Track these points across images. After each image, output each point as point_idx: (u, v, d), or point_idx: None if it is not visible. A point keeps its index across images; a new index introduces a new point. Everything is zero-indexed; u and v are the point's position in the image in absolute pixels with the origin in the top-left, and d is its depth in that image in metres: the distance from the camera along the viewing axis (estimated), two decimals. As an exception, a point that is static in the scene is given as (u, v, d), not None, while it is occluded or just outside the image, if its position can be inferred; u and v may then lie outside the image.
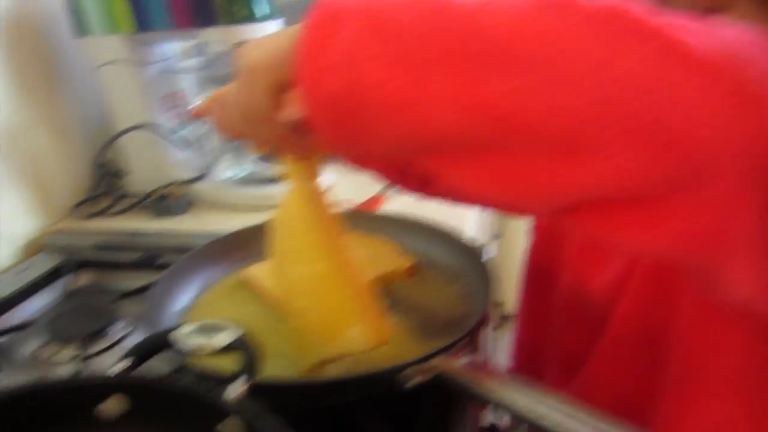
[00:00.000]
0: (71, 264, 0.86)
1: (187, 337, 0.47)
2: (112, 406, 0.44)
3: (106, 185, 1.09)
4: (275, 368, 0.56)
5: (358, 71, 0.33)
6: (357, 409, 0.52)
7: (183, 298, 0.67)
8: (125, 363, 0.46)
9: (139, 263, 0.88)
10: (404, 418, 0.54)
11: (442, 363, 0.49)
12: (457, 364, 0.48)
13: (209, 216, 1.04)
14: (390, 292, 0.66)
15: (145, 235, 0.98)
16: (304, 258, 0.52)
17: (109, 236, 0.98)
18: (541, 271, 0.68)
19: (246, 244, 0.77)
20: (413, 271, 0.71)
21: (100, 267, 0.91)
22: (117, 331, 0.73)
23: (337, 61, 0.33)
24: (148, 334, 0.49)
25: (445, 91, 0.31)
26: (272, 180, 1.07)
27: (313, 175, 0.50)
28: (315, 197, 0.50)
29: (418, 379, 0.49)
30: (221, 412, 0.40)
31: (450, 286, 0.68)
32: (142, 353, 0.47)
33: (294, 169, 0.50)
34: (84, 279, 0.88)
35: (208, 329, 0.48)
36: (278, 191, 1.04)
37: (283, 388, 0.48)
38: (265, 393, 0.43)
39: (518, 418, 0.43)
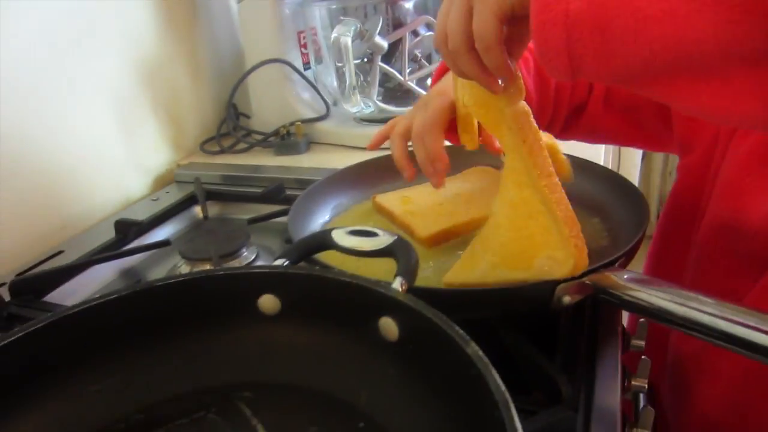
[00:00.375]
0: (201, 194, 0.89)
1: (346, 236, 0.46)
2: (267, 303, 0.44)
3: (231, 124, 1.11)
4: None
5: None
6: (502, 323, 0.50)
7: (318, 220, 0.67)
8: (283, 261, 0.46)
9: (263, 196, 0.89)
10: (546, 337, 0.51)
11: (603, 278, 0.46)
12: (620, 278, 0.45)
13: (330, 155, 1.04)
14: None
15: (268, 171, 0.99)
16: (513, 182, 0.49)
17: (234, 171, 1.00)
18: (684, 206, 0.63)
19: (375, 175, 0.76)
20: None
21: (227, 199, 0.93)
22: (248, 254, 0.74)
23: None
24: (301, 238, 0.49)
25: None
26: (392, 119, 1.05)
27: (521, 97, 0.48)
28: (525, 121, 0.48)
29: (574, 297, 0.47)
30: (386, 305, 0.39)
31: (591, 219, 0.64)
32: (301, 252, 0.47)
33: (497, 97, 0.48)
34: (213, 209, 0.91)
35: (364, 233, 0.47)
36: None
37: (442, 295, 0.46)
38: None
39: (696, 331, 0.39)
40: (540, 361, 0.46)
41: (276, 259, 0.46)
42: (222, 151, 1.08)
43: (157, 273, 0.76)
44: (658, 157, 2.30)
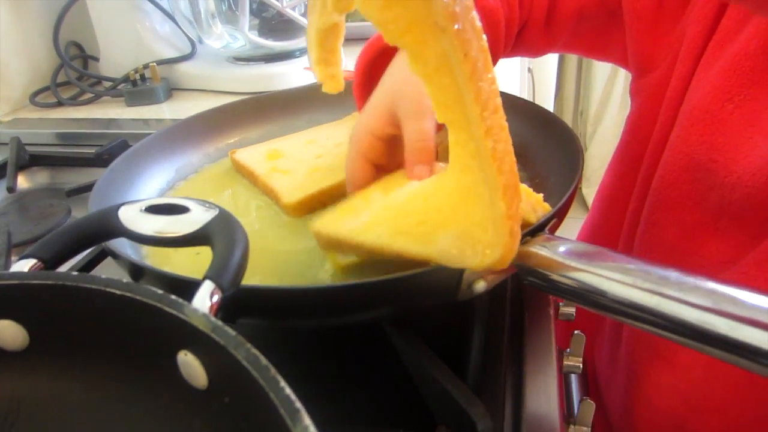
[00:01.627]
0: (21, 160, 0.68)
1: (141, 216, 0.29)
2: (6, 333, 0.27)
3: (71, 69, 0.89)
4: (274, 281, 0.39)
5: None
6: (394, 326, 0.35)
7: (147, 188, 0.49)
8: (32, 264, 0.29)
9: (99, 158, 0.68)
10: (454, 340, 0.37)
11: (530, 255, 0.31)
12: (554, 251, 0.31)
13: (196, 102, 0.85)
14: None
15: (120, 125, 0.79)
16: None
17: (74, 127, 0.80)
18: (640, 141, 0.50)
19: (238, 122, 0.59)
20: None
21: (57, 163, 0.73)
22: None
23: None
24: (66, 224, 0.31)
25: None
26: (273, 57, 0.87)
27: None
28: (468, 19, 0.27)
29: (490, 282, 0.32)
30: (182, 334, 0.23)
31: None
32: (63, 247, 0.30)
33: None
34: (39, 177, 0.71)
35: (169, 209, 0.30)
36: (281, 69, 0.85)
37: (296, 296, 0.30)
38: (249, 307, 0.26)
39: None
40: (447, 384, 0.31)
41: (19, 259, 0.29)
42: (60, 104, 0.86)
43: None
44: (570, 93, 2.22)
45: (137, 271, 0.34)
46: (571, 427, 0.41)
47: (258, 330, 0.37)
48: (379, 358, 0.37)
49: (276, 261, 0.41)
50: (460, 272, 0.31)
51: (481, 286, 0.33)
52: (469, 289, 0.33)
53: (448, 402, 0.31)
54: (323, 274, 0.38)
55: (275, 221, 0.46)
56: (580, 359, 0.44)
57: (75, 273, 0.26)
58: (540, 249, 0.32)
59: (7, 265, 0.47)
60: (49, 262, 0.29)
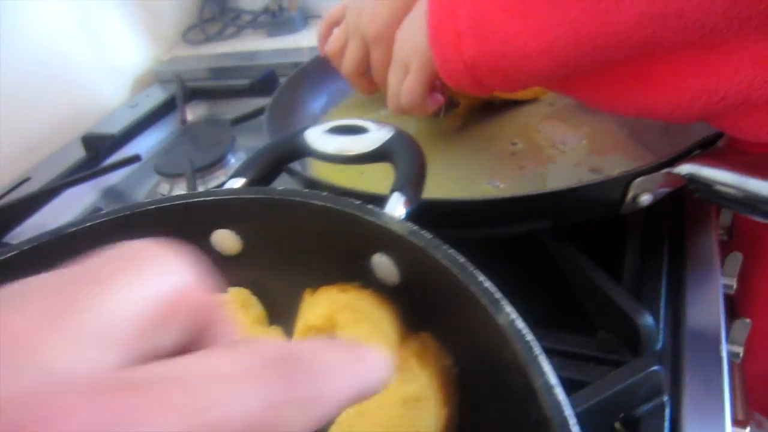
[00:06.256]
0: (180, 94, 0.75)
1: (324, 137, 0.33)
2: (224, 241, 0.32)
3: (215, 6, 0.95)
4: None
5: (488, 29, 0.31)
6: (552, 237, 0.37)
7: (306, 114, 0.53)
8: (236, 181, 0.33)
9: (252, 89, 0.75)
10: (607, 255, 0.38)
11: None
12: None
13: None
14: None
15: (263, 57, 0.84)
16: None
17: (222, 62, 0.86)
18: None
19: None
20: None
21: (215, 95, 0.80)
22: (235, 161, 0.62)
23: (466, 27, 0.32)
24: (261, 147, 0.36)
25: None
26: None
27: None
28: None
29: (657, 193, 0.33)
30: (376, 237, 0.26)
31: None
32: (262, 167, 0.34)
33: None
34: (199, 110, 0.78)
35: (349, 130, 0.34)
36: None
37: (470, 208, 0.33)
38: (430, 218, 0.29)
39: None
40: (608, 289, 0.33)
41: (230, 176, 0.33)
42: (208, 40, 0.93)
43: (139, 192, 0.65)
44: None
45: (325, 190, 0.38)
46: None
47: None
48: (537, 270, 0.39)
49: (438, 175, 0.43)
50: (628, 182, 0.32)
51: (646, 199, 0.34)
52: (633, 202, 0.34)
53: (608, 306, 0.32)
54: (486, 186, 0.41)
55: (433, 135, 0.49)
56: (734, 279, 0.43)
57: (281, 188, 0.30)
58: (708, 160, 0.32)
59: (194, 187, 0.54)
60: (254, 180, 0.33)
